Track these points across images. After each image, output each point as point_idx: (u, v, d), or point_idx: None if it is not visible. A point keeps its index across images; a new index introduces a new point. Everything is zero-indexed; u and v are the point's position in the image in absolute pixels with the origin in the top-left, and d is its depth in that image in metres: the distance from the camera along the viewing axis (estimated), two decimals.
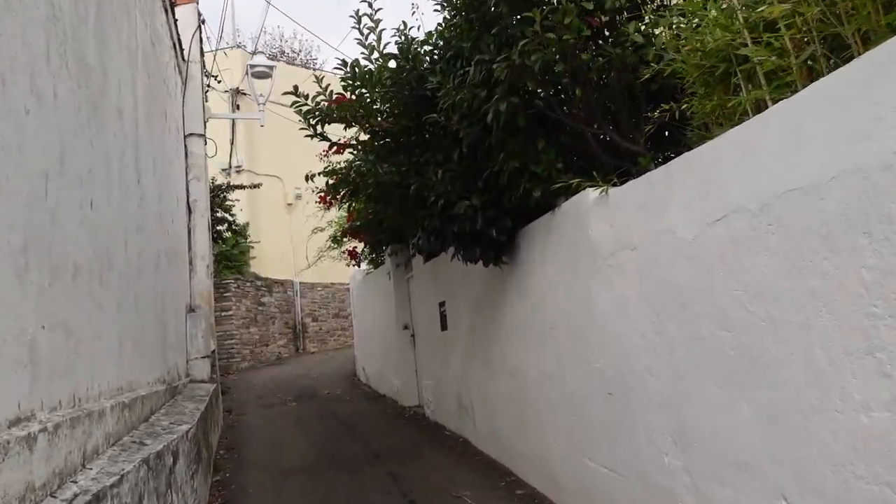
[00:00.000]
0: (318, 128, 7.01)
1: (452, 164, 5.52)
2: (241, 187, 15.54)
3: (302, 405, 11.44)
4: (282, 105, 19.10)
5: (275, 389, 13.67)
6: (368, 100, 6.67)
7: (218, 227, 14.67)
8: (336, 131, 7.16)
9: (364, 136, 7.03)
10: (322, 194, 7.48)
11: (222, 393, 13.61)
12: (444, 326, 8.22)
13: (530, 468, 5.69)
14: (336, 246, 12.80)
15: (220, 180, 19.01)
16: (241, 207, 20.26)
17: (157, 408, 5.70)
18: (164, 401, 6.10)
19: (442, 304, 8.25)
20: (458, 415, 7.78)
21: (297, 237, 20.25)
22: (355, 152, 6.88)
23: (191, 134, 9.83)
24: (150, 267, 5.87)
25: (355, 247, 11.27)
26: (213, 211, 13.36)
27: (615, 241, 4.00)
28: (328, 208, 9.90)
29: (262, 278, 19.75)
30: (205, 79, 12.42)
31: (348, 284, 22.39)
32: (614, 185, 4.07)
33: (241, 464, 7.26)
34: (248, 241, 19.66)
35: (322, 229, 12.57)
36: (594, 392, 4.40)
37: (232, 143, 20.67)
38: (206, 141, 10.26)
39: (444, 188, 5.46)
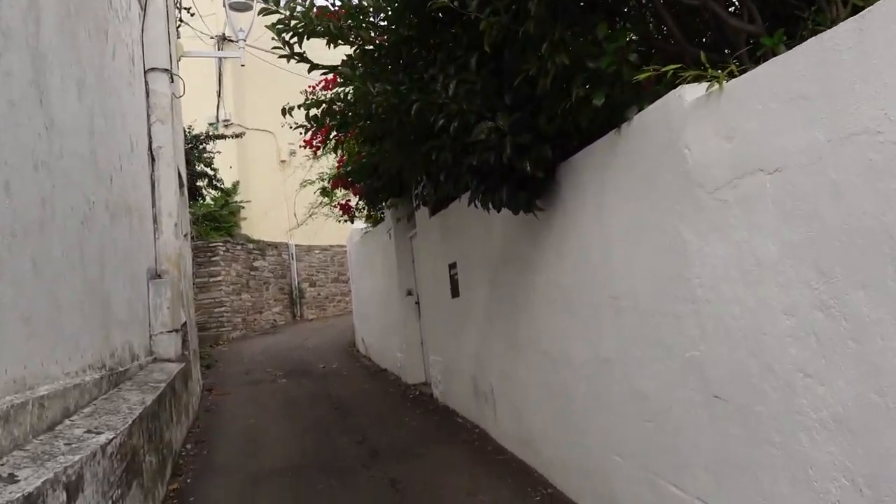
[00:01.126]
0: (296, 46, 5.53)
1: (469, 72, 4.03)
2: (223, 137, 13.99)
3: (293, 382, 10.09)
4: (272, 52, 17.56)
5: (265, 362, 12.34)
6: (357, 7, 5.19)
7: (198, 183, 13.18)
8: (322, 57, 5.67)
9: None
10: (307, 135, 5.98)
11: (206, 367, 12.30)
12: (455, 293, 6.80)
13: (578, 483, 4.29)
14: (327, 200, 11.29)
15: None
16: (231, 164, 18.79)
17: (83, 405, 4.31)
18: (97, 393, 4.71)
19: (452, 266, 6.82)
20: (475, 400, 6.40)
21: (291, 196, 18.81)
22: (342, 73, 5.38)
23: (153, 69, 8.31)
24: (72, 221, 4.43)
25: (348, 200, 9.76)
26: (189, 164, 11.91)
27: (735, 163, 2.54)
28: (315, 153, 8.41)
29: (253, 241, 18.33)
30: (175, 11, 10.88)
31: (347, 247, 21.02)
32: (731, 75, 2.60)
33: (209, 465, 5.90)
34: (237, 200, 18.20)
35: (311, 182, 11.07)
36: (686, 392, 2.98)
37: (219, 95, 19.10)
38: (172, 78, 8.75)
39: (457, 106, 3.97)
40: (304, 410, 7.90)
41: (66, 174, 4.34)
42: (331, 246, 20.67)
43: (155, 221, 8.11)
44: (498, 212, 4.39)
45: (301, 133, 5.94)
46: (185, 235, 10.14)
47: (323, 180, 10.25)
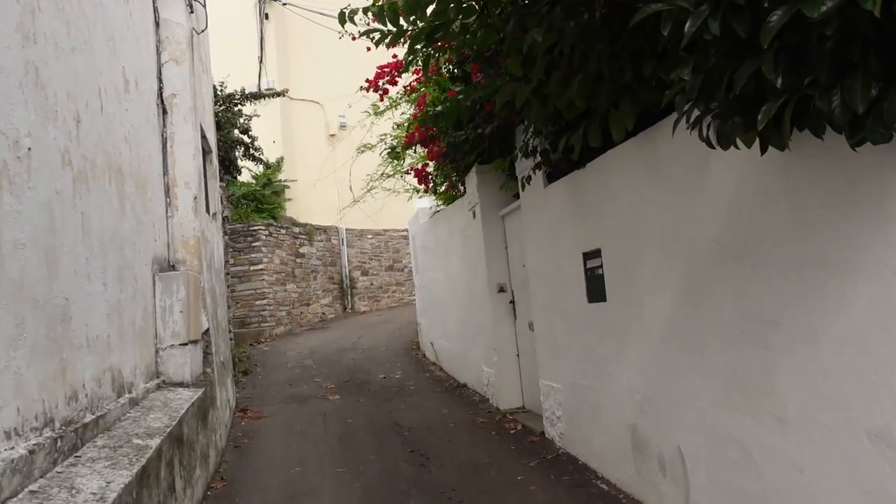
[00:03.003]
0: None
1: None
2: (261, 96, 11.87)
3: (348, 400, 7.97)
4: (321, 14, 15.42)
5: (312, 368, 10.26)
6: None
7: (234, 155, 11.08)
8: None
9: None
10: (373, 43, 3.74)
11: (244, 374, 10.27)
12: (595, 294, 4.54)
13: None
14: (391, 169, 8.98)
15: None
16: (274, 139, 16.77)
17: None
18: (17, 483, 2.64)
19: (591, 256, 4.56)
20: (633, 460, 4.15)
21: (341, 174, 16.66)
22: None
23: None
24: None
25: (425, 164, 7.40)
26: (221, 129, 9.83)
27: None
28: (382, 96, 6.12)
29: (300, 224, 16.29)
30: None
31: (404, 231, 18.80)
32: None
33: None
34: (280, 178, 16.14)
35: (371, 146, 8.82)
36: None
37: (260, 61, 17.07)
38: (191, 6, 6.65)
39: None
40: (366, 452, 5.74)
41: None
42: (385, 230, 18.54)
43: (167, 194, 6.06)
44: (819, 136, 2.08)
45: (369, 44, 3.73)
46: (214, 215, 8.08)
47: (392, 138, 7.92)
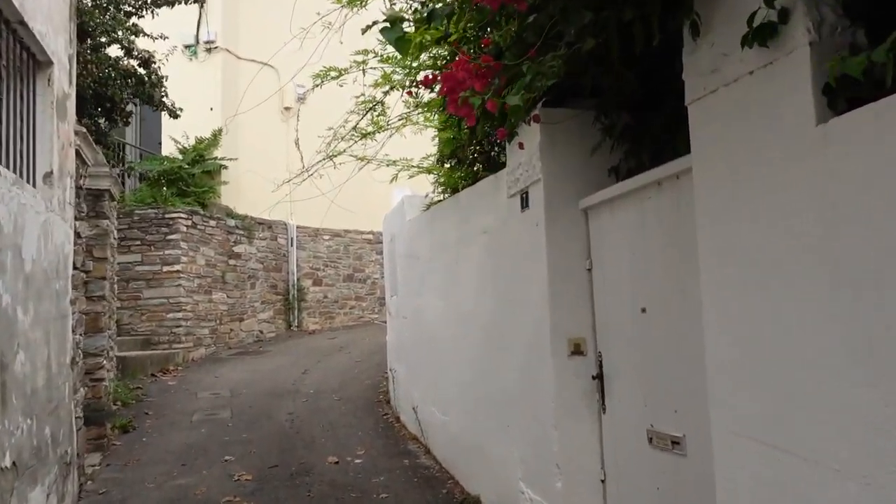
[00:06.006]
0: None
1: None
2: (173, 1, 8.20)
3: None
4: None
5: (227, 430, 6.70)
6: None
7: (121, 92, 7.33)
8: None
9: None
10: None
11: (123, 431, 6.69)
12: None
13: None
14: (380, 115, 5.34)
15: (184, 58, 11.94)
16: (212, 106, 13.19)
17: None
18: None
19: None
20: None
21: (296, 157, 13.10)
22: None
23: None
24: None
25: (458, 63, 3.64)
26: (99, 50, 6.25)
27: None
28: None
29: (237, 216, 12.69)
30: None
31: (370, 234, 15.31)
32: None
33: None
34: (216, 157, 12.50)
35: (343, 72, 5.18)
36: None
37: (201, 6, 13.40)
38: None
39: None
40: None
41: None
42: (346, 231, 15.00)
43: None
44: None
45: None
46: (46, 176, 4.48)
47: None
